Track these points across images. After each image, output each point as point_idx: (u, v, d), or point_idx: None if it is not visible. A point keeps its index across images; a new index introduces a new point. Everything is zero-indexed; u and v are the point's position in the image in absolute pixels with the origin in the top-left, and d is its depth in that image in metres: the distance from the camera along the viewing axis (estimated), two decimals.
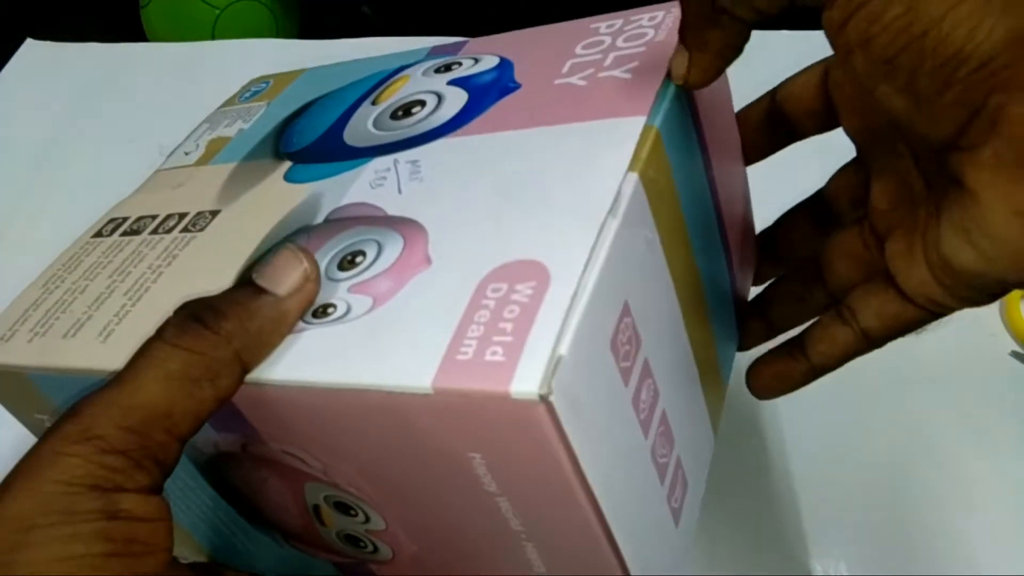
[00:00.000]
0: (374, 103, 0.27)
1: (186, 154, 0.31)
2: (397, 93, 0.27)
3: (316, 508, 0.23)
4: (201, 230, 0.25)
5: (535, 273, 0.18)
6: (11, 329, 0.25)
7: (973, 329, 0.41)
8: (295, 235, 0.23)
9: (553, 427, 0.16)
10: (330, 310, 0.20)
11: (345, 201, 0.23)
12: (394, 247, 0.21)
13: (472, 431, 0.17)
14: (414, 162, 0.24)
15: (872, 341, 0.23)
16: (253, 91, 0.33)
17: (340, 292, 0.20)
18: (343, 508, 0.22)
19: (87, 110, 0.56)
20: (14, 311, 0.25)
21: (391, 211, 0.22)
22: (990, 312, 0.42)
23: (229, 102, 0.33)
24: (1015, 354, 0.40)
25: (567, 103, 0.23)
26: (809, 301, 0.26)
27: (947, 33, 0.16)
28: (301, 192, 0.25)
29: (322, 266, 0.21)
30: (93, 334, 0.23)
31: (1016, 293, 0.43)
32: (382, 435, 0.19)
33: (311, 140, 0.27)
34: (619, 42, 0.25)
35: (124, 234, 0.27)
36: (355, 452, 0.20)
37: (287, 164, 0.27)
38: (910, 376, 0.40)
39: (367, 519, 0.22)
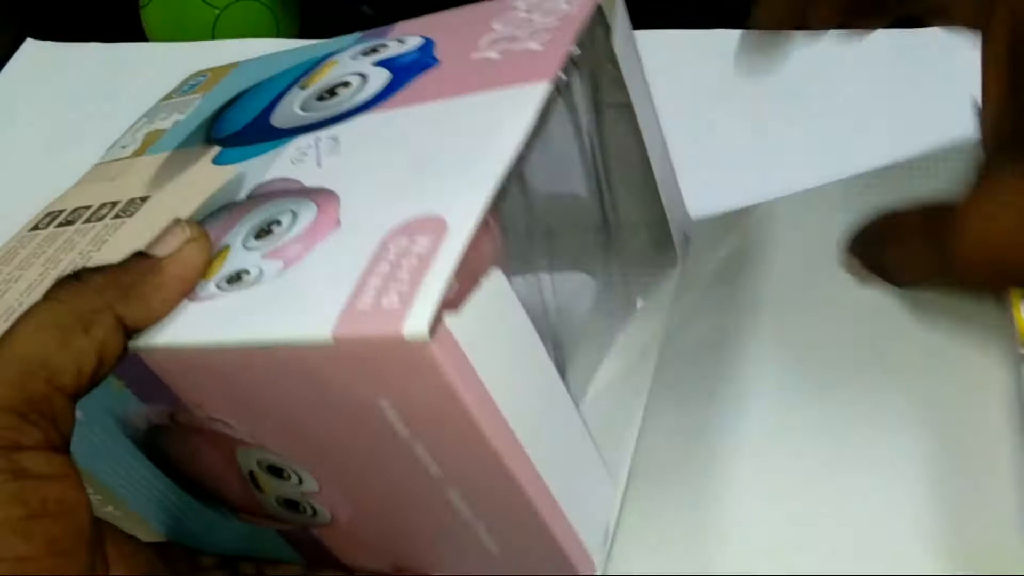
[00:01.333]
0: (302, 87, 0.28)
1: (123, 147, 0.31)
2: (325, 77, 0.28)
3: (252, 474, 0.23)
4: (130, 215, 0.26)
5: (434, 227, 0.19)
6: None
7: (973, 329, 0.41)
8: (218, 212, 0.24)
9: (449, 364, 0.17)
10: (244, 276, 0.21)
11: (268, 177, 0.24)
12: (308, 214, 0.22)
13: (376, 377, 0.18)
14: (334, 138, 0.24)
15: None
16: (191, 84, 0.34)
17: (254, 259, 0.21)
18: (276, 472, 0.23)
19: (87, 110, 0.55)
20: None
21: (308, 183, 0.23)
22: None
23: (168, 96, 0.34)
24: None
25: (480, 75, 0.24)
26: None
27: None
28: (228, 173, 0.25)
29: (239, 238, 0.22)
30: None
31: (1015, 293, 0.44)
32: (294, 391, 0.19)
33: (240, 126, 0.28)
34: (534, 16, 0.25)
35: (59, 225, 0.28)
36: (273, 411, 0.20)
37: (216, 149, 0.27)
38: (910, 376, 0.42)
39: (300, 481, 0.23)
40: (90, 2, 0.77)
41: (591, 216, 0.29)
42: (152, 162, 0.29)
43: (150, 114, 0.33)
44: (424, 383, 0.18)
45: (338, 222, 0.21)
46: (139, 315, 0.20)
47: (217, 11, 0.66)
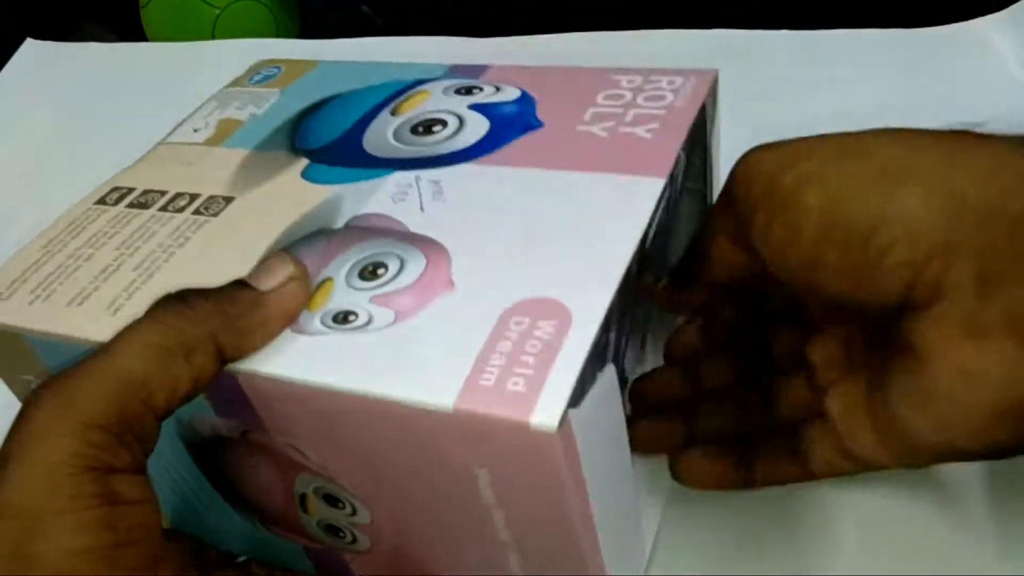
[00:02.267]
0: (393, 113, 0.28)
1: (195, 131, 0.31)
2: (418, 107, 0.28)
3: (303, 497, 0.24)
4: (214, 215, 0.26)
5: (557, 313, 0.20)
6: (10, 288, 0.25)
7: None
8: (314, 236, 0.24)
9: (564, 457, 0.18)
10: (351, 318, 0.21)
11: (365, 210, 0.24)
12: (416, 264, 0.22)
13: (484, 451, 0.19)
14: (436, 182, 0.25)
15: (815, 477, 0.24)
16: (264, 75, 0.34)
17: (362, 301, 0.21)
18: (331, 500, 0.23)
19: (87, 110, 0.55)
20: (12, 269, 0.26)
21: (413, 228, 0.23)
22: None
23: (237, 82, 0.34)
24: None
25: (590, 151, 0.25)
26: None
27: (878, 213, 0.19)
28: (320, 193, 0.26)
29: (342, 273, 0.22)
30: (101, 306, 0.23)
31: None
32: (393, 443, 0.20)
33: (328, 140, 0.28)
34: (639, 100, 0.26)
35: (130, 206, 0.27)
36: (360, 454, 0.21)
37: (304, 161, 0.27)
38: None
39: (354, 512, 0.23)
40: (90, 2, 0.76)
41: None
42: (231, 157, 0.29)
43: (221, 99, 0.33)
44: (533, 466, 0.18)
45: (450, 282, 0.21)
46: (239, 347, 0.20)
47: (217, 11, 0.66)
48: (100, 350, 0.19)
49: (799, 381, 0.25)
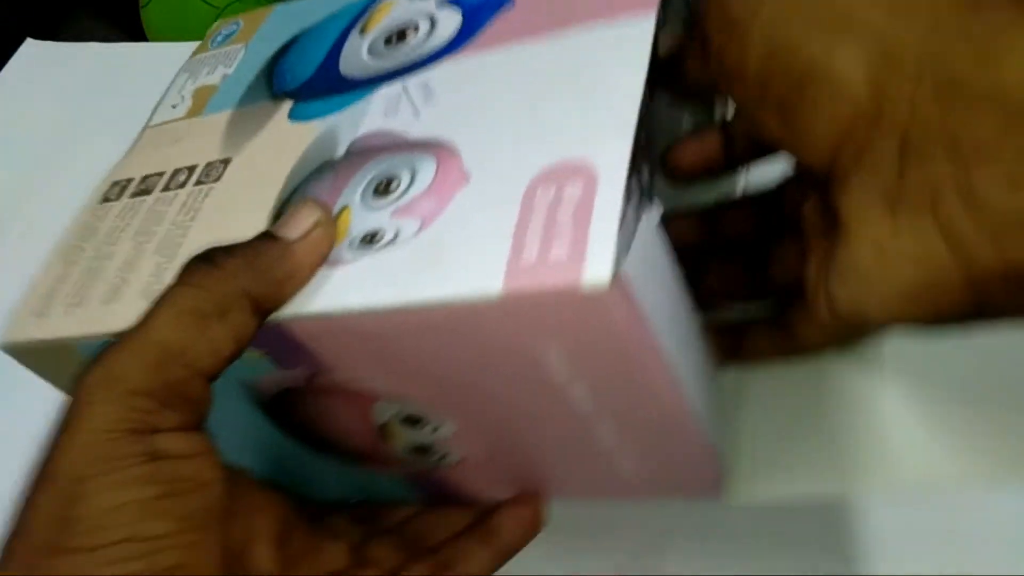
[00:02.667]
0: (362, 32, 0.27)
1: (173, 107, 0.30)
2: (385, 19, 0.27)
3: (384, 426, 0.24)
4: (216, 180, 0.25)
5: (580, 172, 0.19)
6: (44, 303, 0.25)
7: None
8: (319, 170, 0.23)
9: (625, 310, 0.18)
10: (378, 237, 0.21)
11: (362, 132, 0.24)
12: (427, 168, 0.21)
13: (543, 328, 0.19)
14: (424, 85, 0.24)
15: (807, 350, 0.24)
16: (224, 34, 0.33)
17: (384, 218, 0.21)
18: (412, 421, 0.23)
19: (87, 110, 0.55)
20: (40, 287, 0.26)
21: (414, 136, 0.23)
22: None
23: (202, 48, 0.33)
24: None
25: (568, 7, 0.23)
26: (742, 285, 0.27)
27: (811, 63, 0.18)
28: (312, 129, 0.25)
29: (356, 197, 0.22)
30: (135, 295, 0.23)
31: None
32: (453, 347, 0.20)
33: (306, 76, 0.27)
34: None
35: (134, 195, 0.27)
36: (425, 367, 0.21)
37: (287, 103, 0.27)
38: (909, 375, 0.43)
39: (437, 427, 0.23)
40: (90, 2, 0.74)
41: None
42: (216, 121, 0.28)
43: (190, 69, 0.32)
44: (598, 329, 0.18)
45: (466, 175, 0.21)
46: (273, 298, 0.20)
47: (217, 11, 0.64)
48: (139, 322, 0.19)
49: (793, 245, 0.24)
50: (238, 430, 0.26)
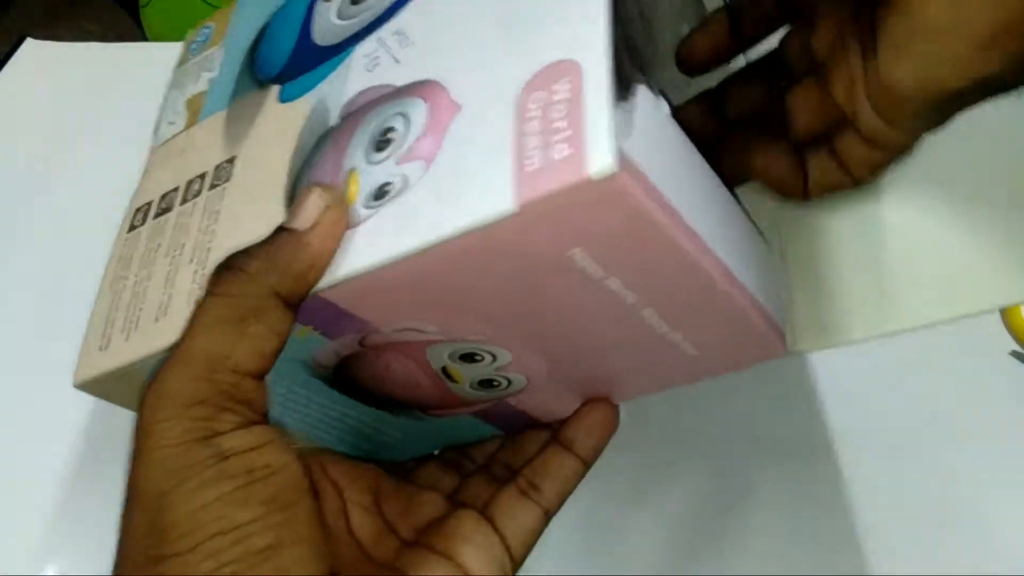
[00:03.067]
0: None
1: (171, 124, 0.31)
2: None
3: (444, 369, 0.25)
4: (228, 180, 0.26)
5: (565, 71, 0.19)
6: (104, 338, 0.26)
7: (973, 329, 0.40)
8: (320, 143, 0.24)
9: (638, 189, 0.18)
10: (387, 188, 0.21)
11: (349, 95, 0.24)
12: (418, 110, 0.22)
13: (566, 230, 0.19)
14: (398, 32, 0.24)
15: (862, 180, 0.24)
16: (199, 40, 0.33)
17: (388, 170, 0.21)
18: (469, 358, 0.24)
19: (87, 110, 0.55)
20: (97, 323, 0.27)
21: (400, 83, 0.23)
22: (990, 312, 0.41)
23: (182, 61, 0.33)
24: (1015, 354, 0.40)
25: None
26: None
27: None
28: (303, 106, 0.25)
29: (359, 157, 0.22)
30: (182, 306, 0.24)
31: None
32: (483, 272, 0.20)
33: (285, 57, 0.27)
34: None
35: (157, 216, 0.28)
36: (463, 300, 0.21)
37: (275, 88, 0.27)
38: (910, 377, 0.40)
39: (494, 358, 0.24)
40: (90, 2, 0.75)
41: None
42: (213, 124, 0.28)
43: (176, 83, 0.32)
44: (617, 217, 0.18)
45: (456, 105, 0.21)
46: (300, 289, 0.21)
47: (216, 11, 0.65)
48: (180, 338, 0.20)
49: (810, 83, 0.24)
50: (314, 413, 0.27)
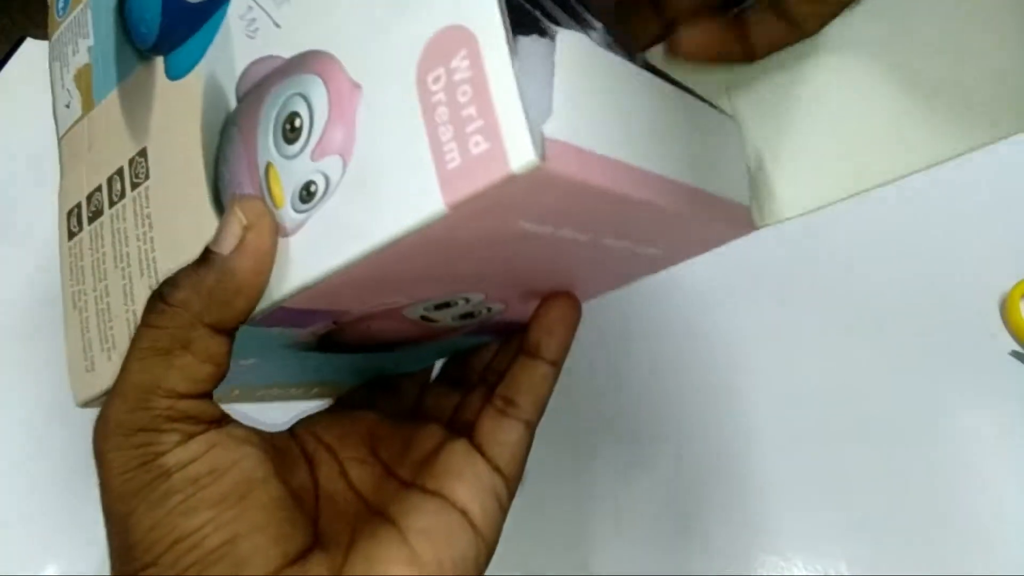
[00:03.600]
0: None
1: (67, 107, 0.28)
2: None
3: (423, 318, 0.24)
4: (146, 176, 0.24)
5: (459, 39, 0.17)
6: (87, 360, 0.26)
7: (973, 329, 0.41)
8: (225, 132, 0.22)
9: (569, 164, 0.17)
10: (312, 188, 0.20)
11: (239, 69, 0.22)
12: (318, 91, 0.20)
13: (505, 213, 0.18)
14: None
15: (807, 33, 0.23)
16: (62, 1, 0.30)
17: (307, 164, 0.20)
18: (444, 306, 0.24)
19: None
20: (74, 345, 0.26)
21: (287, 53, 0.21)
22: (990, 312, 0.42)
23: (54, 28, 0.30)
24: (1015, 354, 0.40)
25: None
26: None
27: None
28: (194, 85, 0.23)
29: (271, 149, 0.21)
30: None
31: (1016, 293, 0.41)
32: (433, 260, 0.19)
33: (157, 23, 0.24)
34: None
35: (91, 220, 0.26)
36: (423, 277, 0.21)
37: (158, 61, 0.24)
38: (910, 376, 0.40)
39: (468, 300, 0.24)
40: None
41: None
42: (110, 109, 0.26)
43: (56, 55, 0.29)
44: (552, 193, 0.17)
45: (355, 84, 0.19)
46: (229, 315, 0.20)
47: None
48: (120, 369, 0.21)
49: None
50: (314, 365, 0.27)
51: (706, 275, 0.43)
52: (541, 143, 0.16)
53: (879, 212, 0.46)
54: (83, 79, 0.28)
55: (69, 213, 0.27)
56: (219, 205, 0.22)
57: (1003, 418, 0.38)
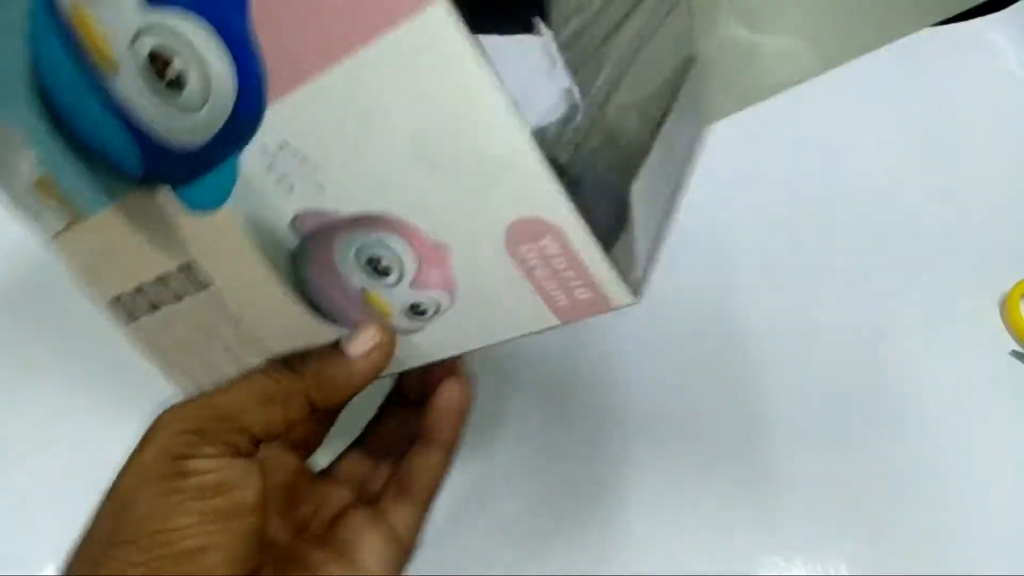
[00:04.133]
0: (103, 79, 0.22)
1: (42, 214, 0.27)
2: (105, 43, 0.22)
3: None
4: (210, 283, 0.26)
5: (542, 229, 0.20)
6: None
7: (973, 329, 0.41)
8: (296, 260, 0.24)
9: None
10: (422, 308, 0.24)
11: (287, 216, 0.23)
12: (401, 246, 0.22)
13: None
14: (285, 146, 0.22)
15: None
16: None
17: (409, 293, 0.23)
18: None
19: None
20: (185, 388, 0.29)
21: (343, 211, 0.22)
22: (990, 312, 0.41)
23: None
24: (1015, 354, 0.40)
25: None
26: None
27: None
28: (229, 220, 0.24)
29: (363, 279, 0.24)
30: None
31: (1016, 293, 0.41)
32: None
33: (138, 159, 0.24)
34: None
35: (150, 310, 0.28)
36: None
37: (161, 189, 0.24)
38: (910, 376, 0.39)
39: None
40: None
41: None
42: (113, 224, 0.26)
43: None
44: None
45: (442, 243, 0.22)
46: (327, 401, 0.25)
47: None
48: (219, 386, 0.25)
49: None
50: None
51: (711, 268, 0.43)
52: (637, 288, 0.20)
53: (879, 211, 0.46)
54: (50, 190, 0.26)
55: (115, 300, 0.28)
56: (309, 301, 0.25)
57: (1003, 418, 0.38)
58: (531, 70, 0.19)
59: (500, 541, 0.36)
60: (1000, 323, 0.41)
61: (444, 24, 0.17)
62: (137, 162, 0.24)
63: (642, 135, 0.23)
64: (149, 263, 0.26)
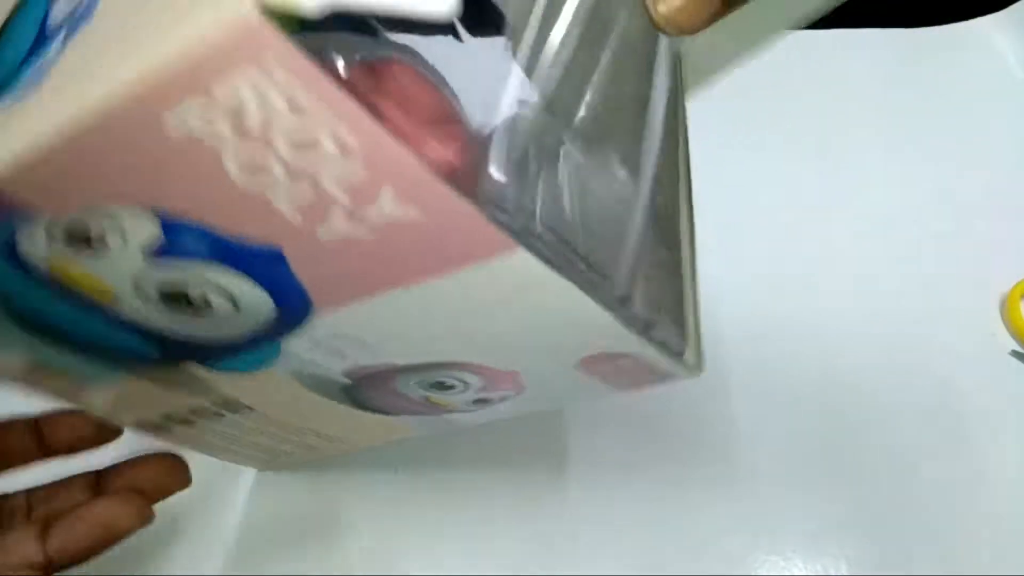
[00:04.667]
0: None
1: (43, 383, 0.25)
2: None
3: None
4: (253, 409, 0.26)
5: (616, 356, 0.21)
6: None
7: (973, 329, 0.41)
8: (348, 392, 0.24)
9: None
10: (489, 401, 0.24)
11: (338, 371, 0.23)
12: (470, 376, 0.23)
13: None
14: (335, 335, 0.21)
15: None
16: None
17: (473, 396, 0.24)
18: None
19: None
20: None
21: (399, 362, 0.22)
22: (990, 312, 0.42)
23: None
24: (1015, 354, 0.40)
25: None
26: None
27: None
28: (274, 374, 0.23)
29: (420, 392, 0.24)
30: None
31: (1016, 293, 0.42)
32: None
33: (155, 344, 0.22)
34: None
35: (183, 424, 0.27)
36: None
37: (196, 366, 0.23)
38: (910, 376, 0.40)
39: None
40: None
41: None
42: (131, 386, 0.24)
43: None
44: None
45: (512, 371, 0.22)
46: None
47: None
48: None
49: None
50: None
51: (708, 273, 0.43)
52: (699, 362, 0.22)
53: (878, 211, 0.46)
54: (59, 382, 0.24)
55: (139, 422, 0.27)
56: (364, 407, 0.25)
57: (1003, 418, 0.38)
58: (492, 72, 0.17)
59: (485, 537, 0.36)
60: (1000, 323, 0.41)
61: (526, 265, 0.17)
62: (157, 352, 0.22)
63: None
64: (178, 402, 0.26)
